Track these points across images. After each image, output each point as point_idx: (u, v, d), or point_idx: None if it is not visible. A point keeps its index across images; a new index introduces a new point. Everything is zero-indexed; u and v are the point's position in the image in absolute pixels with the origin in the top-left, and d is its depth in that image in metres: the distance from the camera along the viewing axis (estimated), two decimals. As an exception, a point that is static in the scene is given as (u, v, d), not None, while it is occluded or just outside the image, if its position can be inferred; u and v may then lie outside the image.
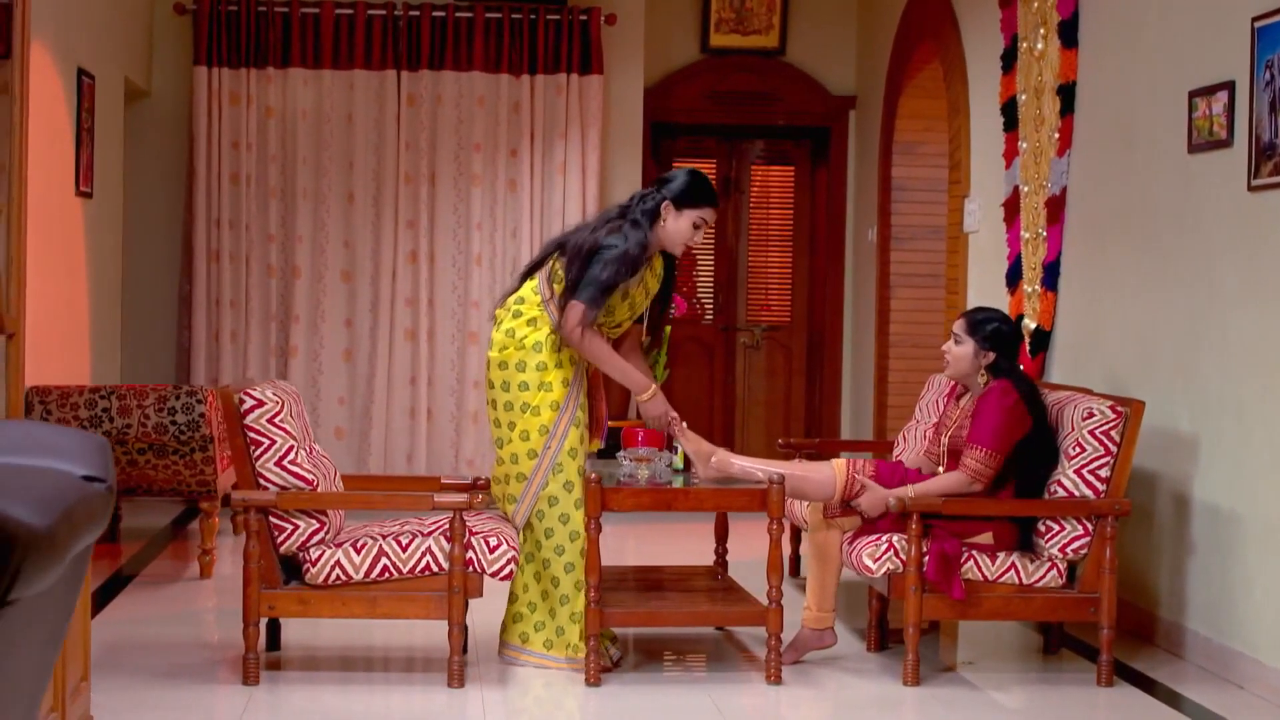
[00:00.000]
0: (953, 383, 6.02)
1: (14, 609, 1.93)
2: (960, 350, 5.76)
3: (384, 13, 9.72)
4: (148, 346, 9.72)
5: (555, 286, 5.63)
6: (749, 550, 7.20)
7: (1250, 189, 5.58)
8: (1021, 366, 5.85)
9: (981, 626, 6.57)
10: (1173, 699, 5.48)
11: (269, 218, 9.66)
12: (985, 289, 8.23)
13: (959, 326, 5.80)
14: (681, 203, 5.69)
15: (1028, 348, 7.39)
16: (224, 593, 7.13)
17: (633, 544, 8.16)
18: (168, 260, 9.79)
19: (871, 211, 10.41)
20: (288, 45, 9.65)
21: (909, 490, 5.59)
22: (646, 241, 5.63)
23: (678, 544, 8.39)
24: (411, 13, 9.74)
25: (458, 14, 9.76)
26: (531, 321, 5.63)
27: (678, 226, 5.70)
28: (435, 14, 9.76)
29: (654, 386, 5.69)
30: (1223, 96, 5.77)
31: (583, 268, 5.52)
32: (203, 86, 9.55)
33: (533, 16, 9.82)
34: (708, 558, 7.23)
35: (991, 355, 5.70)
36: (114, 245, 8.78)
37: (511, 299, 5.73)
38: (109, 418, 6.81)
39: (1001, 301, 7.80)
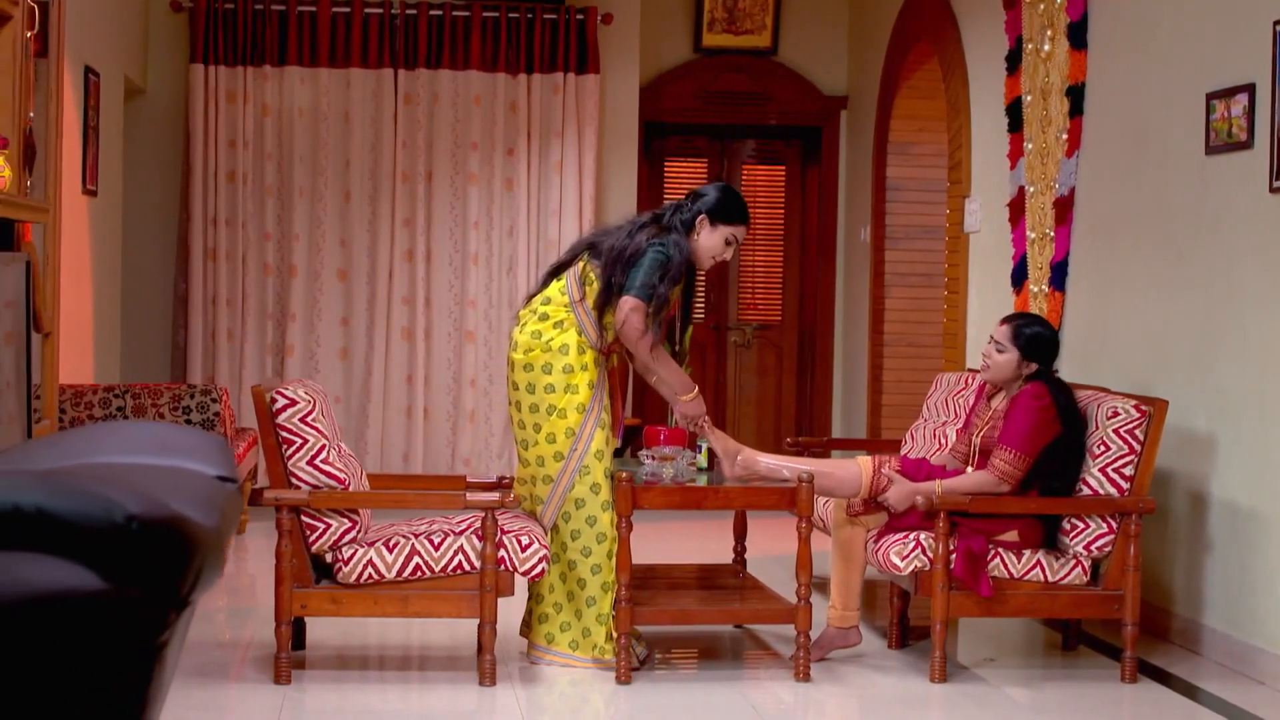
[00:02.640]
0: (983, 382, 6.05)
1: (186, 610, 1.95)
2: (1003, 359, 5.73)
3: (381, 11, 9.71)
4: (143, 345, 9.69)
5: (587, 289, 5.65)
6: (752, 547, 7.21)
7: (1272, 190, 5.64)
8: (1058, 371, 5.85)
9: (996, 624, 6.61)
10: (1195, 695, 5.54)
11: (265, 216, 9.65)
12: (987, 289, 8.29)
13: (1003, 335, 5.76)
14: (717, 218, 5.75)
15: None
16: (234, 592, 7.12)
17: (643, 542, 8.15)
18: (163, 259, 9.75)
19: (863, 211, 10.46)
20: (284, 43, 9.63)
21: (936, 486, 5.62)
22: (686, 247, 5.67)
23: (689, 542, 8.42)
24: (408, 11, 9.73)
25: (454, 13, 9.76)
26: (558, 324, 5.64)
27: (710, 241, 5.75)
28: (432, 13, 9.76)
29: (697, 388, 5.73)
30: (1242, 99, 5.83)
31: (626, 270, 5.55)
32: (199, 84, 9.52)
33: (529, 16, 9.83)
34: (718, 555, 7.27)
35: (1034, 365, 5.72)
36: (115, 244, 8.76)
37: (537, 299, 5.74)
38: (123, 417, 6.79)
39: (1006, 301, 7.86)
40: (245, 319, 9.65)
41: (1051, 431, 5.59)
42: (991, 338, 5.80)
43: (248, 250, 9.64)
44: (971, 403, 6.13)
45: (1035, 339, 5.70)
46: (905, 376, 9.96)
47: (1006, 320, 5.82)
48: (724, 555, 7.30)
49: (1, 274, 4.08)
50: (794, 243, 11.18)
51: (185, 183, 9.61)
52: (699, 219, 5.73)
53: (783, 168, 11.18)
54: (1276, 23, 5.60)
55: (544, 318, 5.66)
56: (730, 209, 5.77)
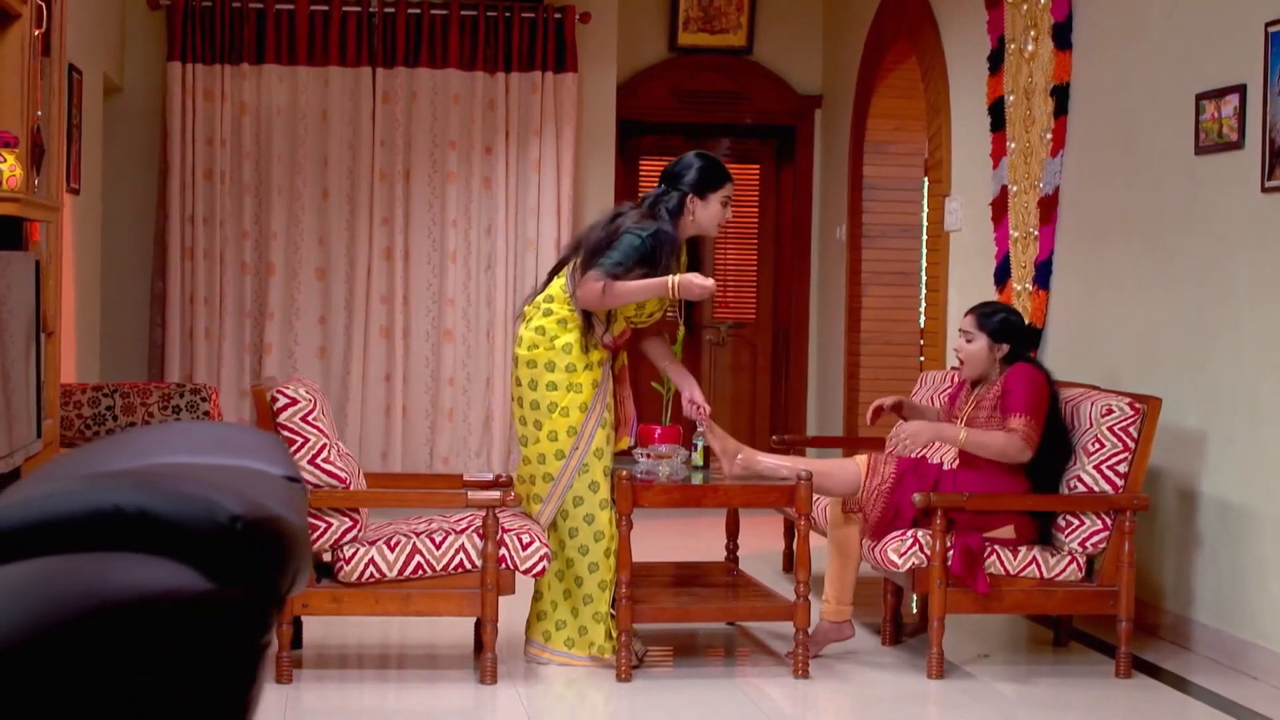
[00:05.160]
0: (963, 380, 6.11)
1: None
2: (974, 347, 5.84)
3: (359, 9, 9.69)
4: (120, 344, 9.63)
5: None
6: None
7: (1264, 190, 5.69)
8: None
9: (986, 621, 6.65)
10: (1188, 689, 5.59)
11: (243, 214, 9.61)
12: (968, 287, 8.33)
13: (969, 324, 5.88)
14: (704, 190, 5.77)
15: (1019, 345, 7.49)
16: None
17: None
18: (140, 257, 9.70)
19: (838, 210, 10.50)
20: (262, 41, 9.60)
21: (960, 432, 5.69)
22: (671, 234, 5.67)
23: (675, 540, 8.42)
24: (387, 9, 9.71)
25: (433, 11, 9.75)
26: (562, 321, 5.65)
27: (709, 213, 5.78)
28: (410, 11, 9.74)
29: (670, 277, 5.60)
30: (1233, 99, 5.89)
31: (603, 253, 5.58)
32: (176, 82, 9.48)
33: (508, 14, 9.83)
34: (702, 553, 7.30)
35: (1005, 347, 5.81)
36: (95, 242, 8.71)
37: (540, 298, 5.76)
38: (112, 416, 6.76)
39: (988, 299, 7.89)
40: (223, 317, 9.61)
41: (1048, 404, 5.70)
42: (960, 330, 5.90)
43: (225, 248, 9.61)
44: (950, 396, 6.17)
45: (1002, 322, 5.83)
46: (882, 375, 10.00)
47: (970, 311, 5.93)
48: (708, 553, 7.34)
49: (13, 273, 4.06)
50: (768, 241, 11.22)
51: (162, 181, 9.57)
52: (688, 200, 5.74)
53: (757, 166, 11.20)
54: (1268, 24, 5.66)
55: (548, 314, 5.67)
56: (712, 176, 5.79)
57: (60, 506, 1.87)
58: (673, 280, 5.57)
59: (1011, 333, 5.84)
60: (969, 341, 5.86)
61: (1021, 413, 5.63)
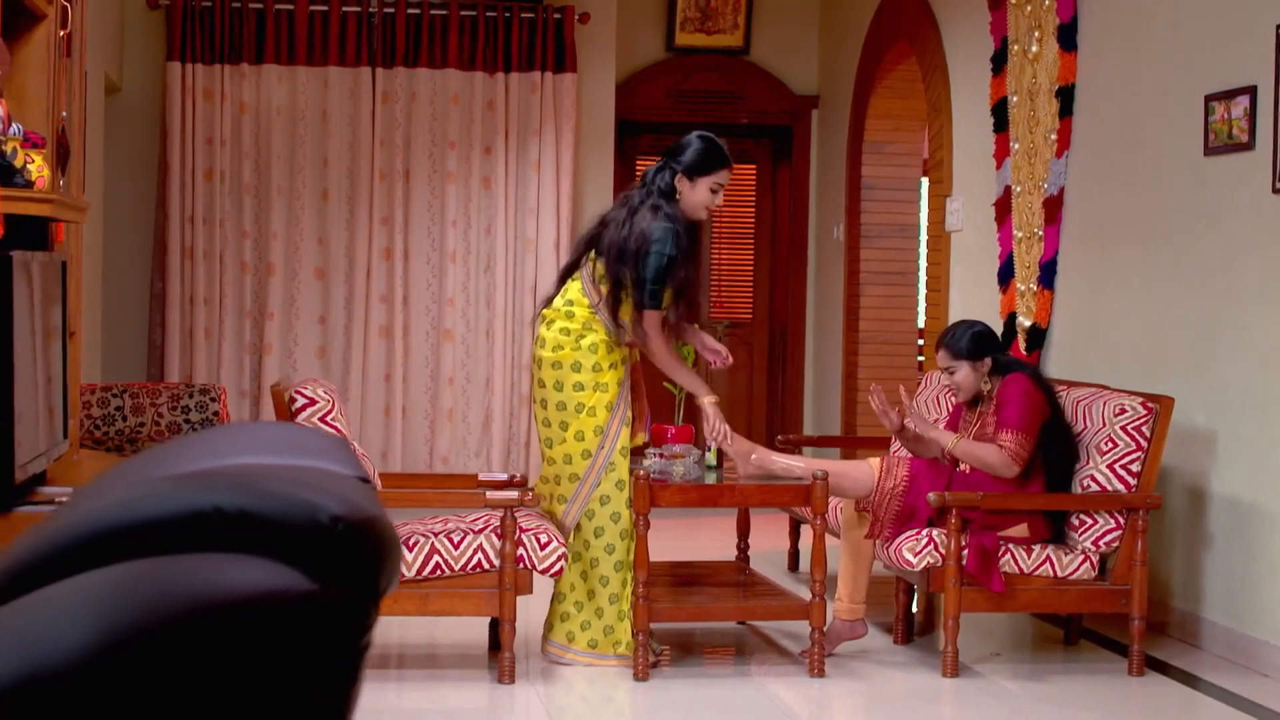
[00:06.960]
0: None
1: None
2: (960, 377, 5.86)
3: (358, 9, 9.69)
4: (119, 344, 9.62)
5: (602, 288, 5.69)
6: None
7: (1275, 191, 5.73)
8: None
9: (995, 620, 6.68)
10: (1201, 687, 5.62)
11: (243, 214, 9.61)
12: (969, 287, 8.37)
13: (944, 358, 5.89)
14: (695, 173, 5.78)
15: (1022, 344, 7.52)
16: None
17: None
18: (140, 257, 9.69)
19: (835, 209, 10.53)
20: (262, 41, 9.59)
21: (949, 440, 5.74)
22: (680, 221, 5.69)
23: (681, 540, 8.42)
24: (386, 9, 9.72)
25: (432, 11, 9.76)
26: (586, 323, 5.68)
27: (696, 197, 5.79)
28: (410, 11, 9.75)
29: (713, 396, 5.84)
30: (1243, 100, 5.92)
31: (634, 265, 5.60)
32: (176, 82, 9.47)
33: (507, 14, 9.84)
34: (707, 552, 7.32)
35: (988, 360, 5.83)
36: (95, 242, 8.70)
37: (559, 300, 5.77)
38: (121, 416, 6.76)
39: (991, 299, 7.93)
40: (223, 317, 9.61)
41: (1044, 413, 5.72)
42: (941, 369, 5.93)
43: (225, 249, 9.60)
44: (950, 421, 6.20)
45: (972, 341, 5.83)
46: (879, 375, 10.01)
47: (938, 346, 5.95)
48: (714, 552, 7.35)
49: (43, 274, 4.07)
50: (765, 241, 11.24)
51: (162, 181, 9.56)
52: (677, 179, 5.76)
53: (753, 166, 11.23)
54: (1279, 26, 5.70)
55: (571, 315, 5.69)
56: (706, 160, 5.79)
57: (157, 508, 1.88)
58: (708, 399, 5.88)
59: (986, 344, 5.85)
60: (952, 374, 5.88)
61: (1012, 429, 5.66)
